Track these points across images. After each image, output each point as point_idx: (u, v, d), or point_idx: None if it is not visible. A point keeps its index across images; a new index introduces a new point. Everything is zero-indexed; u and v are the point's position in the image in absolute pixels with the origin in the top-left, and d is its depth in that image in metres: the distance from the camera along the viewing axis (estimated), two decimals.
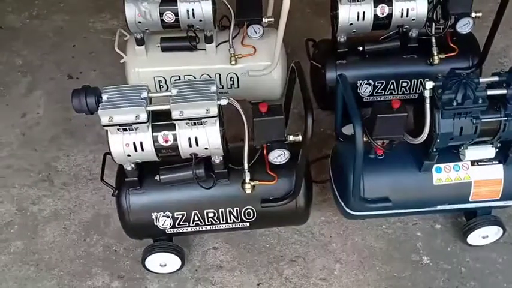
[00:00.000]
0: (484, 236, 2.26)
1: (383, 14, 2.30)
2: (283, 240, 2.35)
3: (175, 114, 1.77)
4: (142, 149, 1.85)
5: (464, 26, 2.33)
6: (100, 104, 1.78)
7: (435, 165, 2.06)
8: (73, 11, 3.34)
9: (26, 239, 2.37)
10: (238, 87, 2.47)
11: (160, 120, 1.84)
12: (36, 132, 2.76)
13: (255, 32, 2.41)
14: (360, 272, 2.26)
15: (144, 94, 1.81)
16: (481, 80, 1.88)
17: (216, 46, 2.40)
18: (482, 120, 1.89)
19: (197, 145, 1.85)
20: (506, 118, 1.91)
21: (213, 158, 1.94)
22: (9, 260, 2.31)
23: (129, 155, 1.86)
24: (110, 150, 1.85)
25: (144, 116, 1.77)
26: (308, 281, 2.23)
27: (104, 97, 1.80)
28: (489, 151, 2.03)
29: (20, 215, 2.45)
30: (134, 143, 1.83)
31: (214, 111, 1.78)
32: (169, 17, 2.27)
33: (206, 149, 1.87)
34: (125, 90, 1.82)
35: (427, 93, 1.86)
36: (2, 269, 2.28)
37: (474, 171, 2.08)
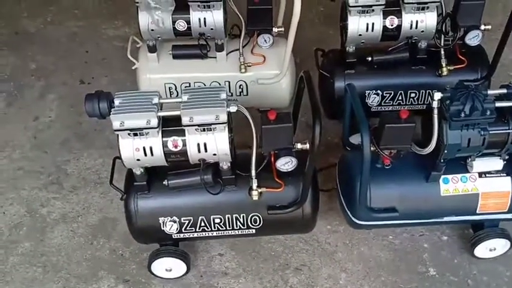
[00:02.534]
0: (491, 248, 2.24)
1: (392, 26, 2.32)
2: (288, 249, 2.35)
3: (185, 120, 1.80)
4: (152, 154, 1.87)
5: (473, 39, 2.34)
6: (112, 109, 1.81)
7: (442, 176, 2.06)
8: (86, 17, 3.40)
9: (34, 241, 2.39)
10: (247, 94, 2.50)
11: (170, 125, 1.86)
12: (48, 136, 2.79)
13: (265, 41, 2.44)
14: (366, 282, 2.25)
15: (155, 100, 1.84)
16: (489, 92, 1.89)
17: (227, 54, 2.43)
18: (490, 132, 1.89)
19: (206, 151, 1.87)
20: None
21: (221, 164, 1.95)
22: (17, 261, 2.33)
23: (138, 160, 1.89)
24: (120, 154, 1.88)
25: (154, 122, 1.80)
26: None
27: (116, 102, 1.83)
28: (497, 163, 2.03)
29: (29, 217, 2.48)
30: (144, 148, 1.86)
31: (223, 117, 1.80)
32: (181, 25, 2.31)
33: (214, 154, 1.89)
34: (136, 96, 1.85)
35: (435, 104, 1.87)
36: (10, 270, 2.30)
37: (482, 183, 2.07)
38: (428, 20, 2.31)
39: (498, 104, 1.87)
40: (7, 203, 2.53)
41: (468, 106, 1.82)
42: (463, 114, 1.83)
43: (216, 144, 1.86)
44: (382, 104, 2.51)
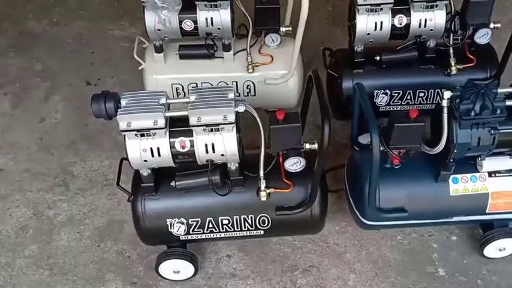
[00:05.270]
0: (501, 248, 2.22)
1: (401, 24, 2.30)
2: (297, 250, 2.34)
3: (192, 120, 1.79)
4: (159, 155, 1.86)
5: (482, 37, 2.32)
6: (119, 110, 1.80)
7: (452, 176, 2.04)
8: (92, 18, 3.39)
9: (41, 243, 2.39)
10: (254, 95, 2.48)
11: (178, 126, 1.85)
12: (54, 137, 2.79)
13: (273, 40, 2.42)
14: (375, 282, 2.24)
15: (163, 100, 1.83)
16: (499, 90, 1.87)
17: (234, 54, 2.42)
18: (500, 131, 1.88)
19: (214, 151, 1.86)
20: None
21: (229, 165, 1.94)
22: (24, 263, 2.33)
23: (145, 160, 1.88)
24: (127, 155, 1.87)
25: (161, 122, 1.79)
26: None
27: (123, 102, 1.82)
28: (507, 162, 2.01)
29: (36, 219, 2.47)
30: (151, 149, 1.85)
31: (231, 118, 1.79)
32: (188, 25, 2.30)
33: (222, 155, 1.88)
34: (143, 96, 1.84)
35: (444, 103, 1.86)
36: (17, 273, 2.30)
37: (491, 183, 2.06)
38: (437, 18, 2.29)
39: (508, 103, 1.85)
40: (13, 205, 2.52)
41: (478, 105, 1.81)
42: (473, 113, 1.82)
43: (224, 145, 1.85)
44: (391, 103, 2.49)
